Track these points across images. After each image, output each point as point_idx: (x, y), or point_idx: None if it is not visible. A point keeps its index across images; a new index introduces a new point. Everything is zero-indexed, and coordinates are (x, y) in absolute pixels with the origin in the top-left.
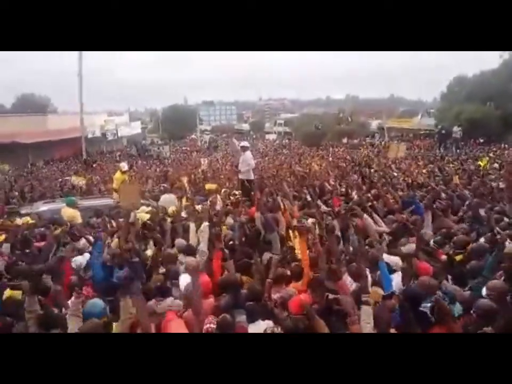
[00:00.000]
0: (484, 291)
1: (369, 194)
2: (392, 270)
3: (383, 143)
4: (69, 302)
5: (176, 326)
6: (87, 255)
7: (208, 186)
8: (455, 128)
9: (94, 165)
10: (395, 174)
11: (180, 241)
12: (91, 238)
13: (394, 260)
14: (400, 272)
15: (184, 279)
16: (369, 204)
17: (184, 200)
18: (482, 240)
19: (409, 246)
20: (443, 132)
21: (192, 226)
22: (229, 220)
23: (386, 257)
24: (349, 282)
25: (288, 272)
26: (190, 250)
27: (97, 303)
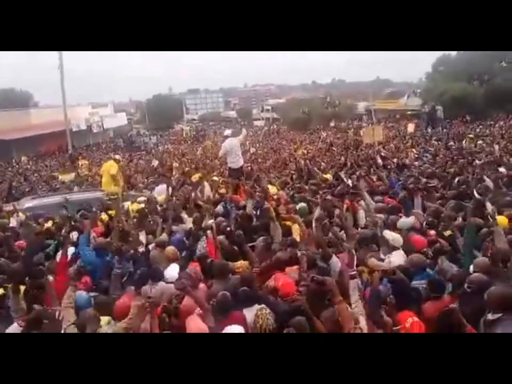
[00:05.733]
0: (471, 268)
1: (354, 176)
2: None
3: (370, 125)
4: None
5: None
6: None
7: (197, 174)
8: (437, 107)
9: (80, 159)
10: (382, 154)
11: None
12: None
13: (395, 236)
14: (401, 249)
15: (171, 268)
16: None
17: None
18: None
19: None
20: (431, 111)
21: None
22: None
23: (388, 233)
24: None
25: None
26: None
27: (82, 295)
